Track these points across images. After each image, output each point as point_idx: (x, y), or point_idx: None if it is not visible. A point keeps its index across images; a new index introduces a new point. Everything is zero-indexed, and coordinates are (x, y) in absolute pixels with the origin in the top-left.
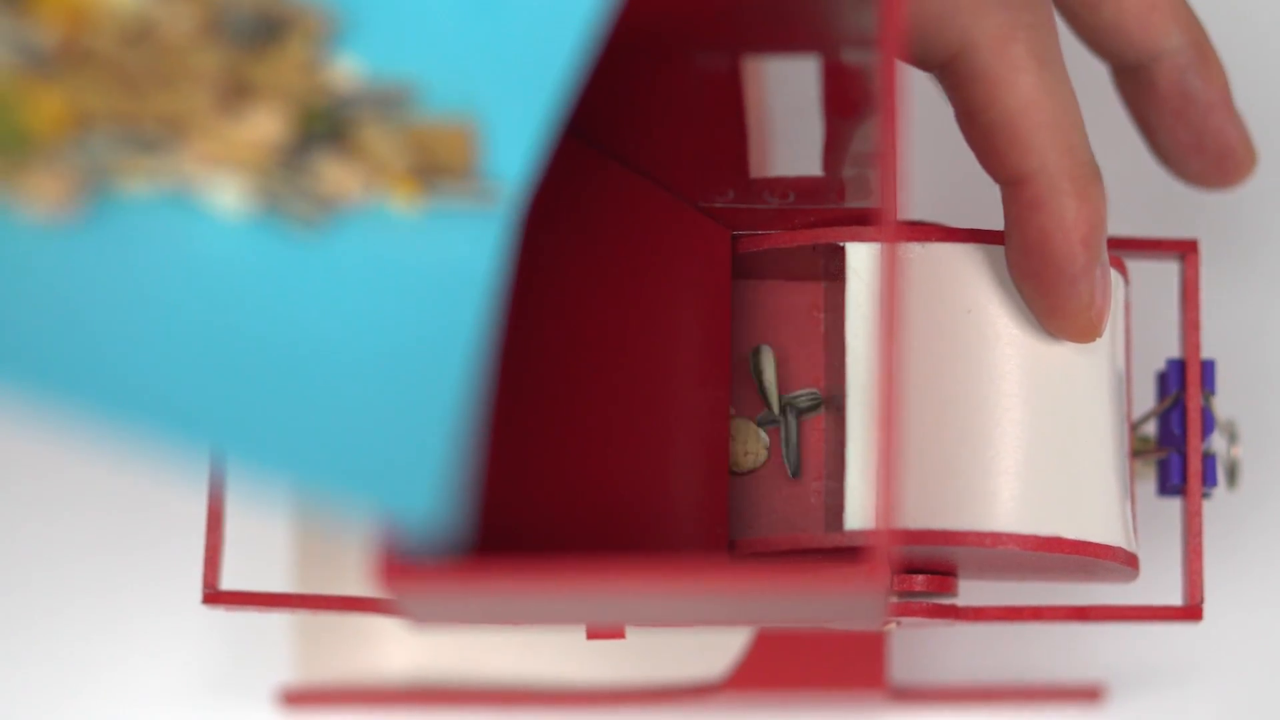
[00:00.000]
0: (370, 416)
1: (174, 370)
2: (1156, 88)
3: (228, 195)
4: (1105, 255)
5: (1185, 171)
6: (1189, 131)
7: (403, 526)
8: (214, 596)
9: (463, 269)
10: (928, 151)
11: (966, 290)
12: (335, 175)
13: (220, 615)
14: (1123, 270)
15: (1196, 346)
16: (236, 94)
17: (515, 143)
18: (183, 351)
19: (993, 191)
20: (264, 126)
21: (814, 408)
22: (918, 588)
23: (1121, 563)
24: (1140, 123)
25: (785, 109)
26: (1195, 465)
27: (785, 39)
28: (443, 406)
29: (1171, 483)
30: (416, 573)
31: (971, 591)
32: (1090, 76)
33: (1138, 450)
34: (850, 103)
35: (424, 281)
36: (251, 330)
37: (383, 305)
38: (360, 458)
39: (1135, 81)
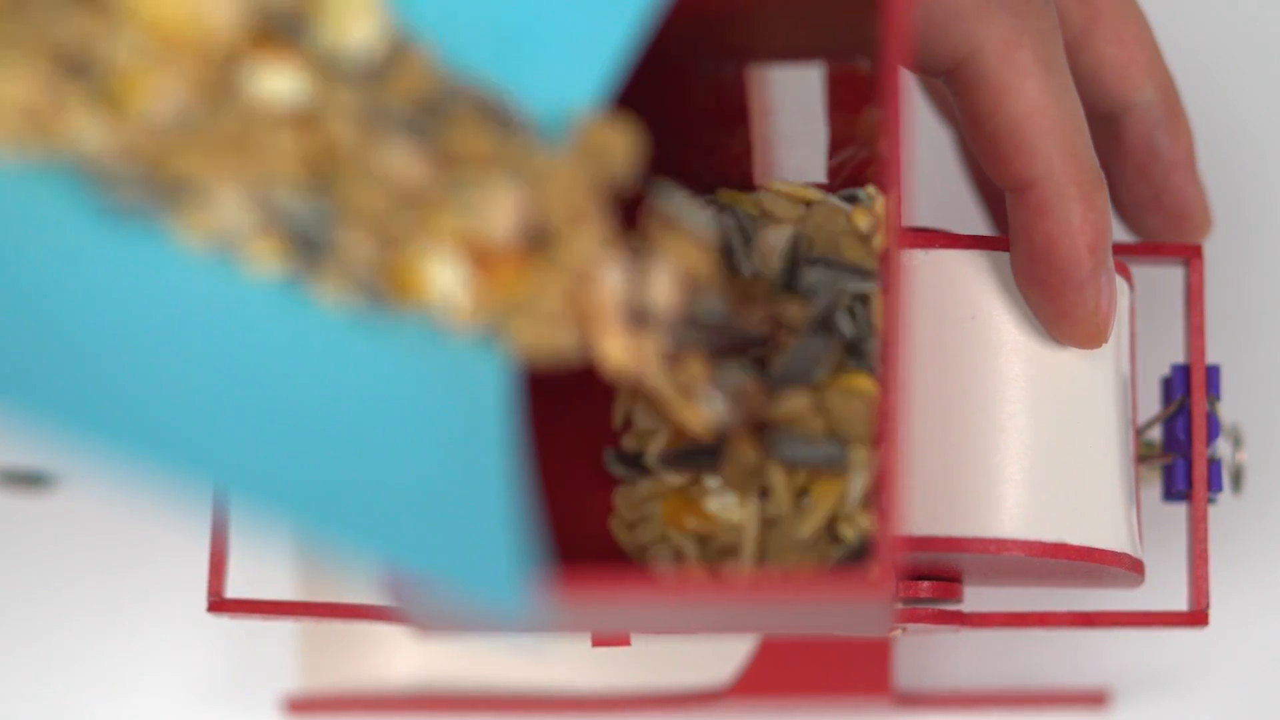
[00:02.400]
0: (431, 487)
1: (232, 433)
2: (1123, 140)
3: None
4: (1110, 261)
5: (1140, 227)
6: (1150, 187)
7: (488, 603)
8: (219, 604)
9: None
10: (932, 157)
11: (971, 296)
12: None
13: (225, 623)
14: (1127, 276)
15: (1201, 351)
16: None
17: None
18: (242, 414)
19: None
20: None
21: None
22: (923, 594)
23: (1127, 568)
24: (1102, 172)
25: (791, 115)
26: (1200, 470)
27: (791, 46)
28: (496, 471)
29: (1177, 488)
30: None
31: (977, 597)
32: None
33: (1143, 456)
34: (855, 109)
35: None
36: (307, 400)
37: (416, 369)
38: (434, 533)
39: (1102, 132)
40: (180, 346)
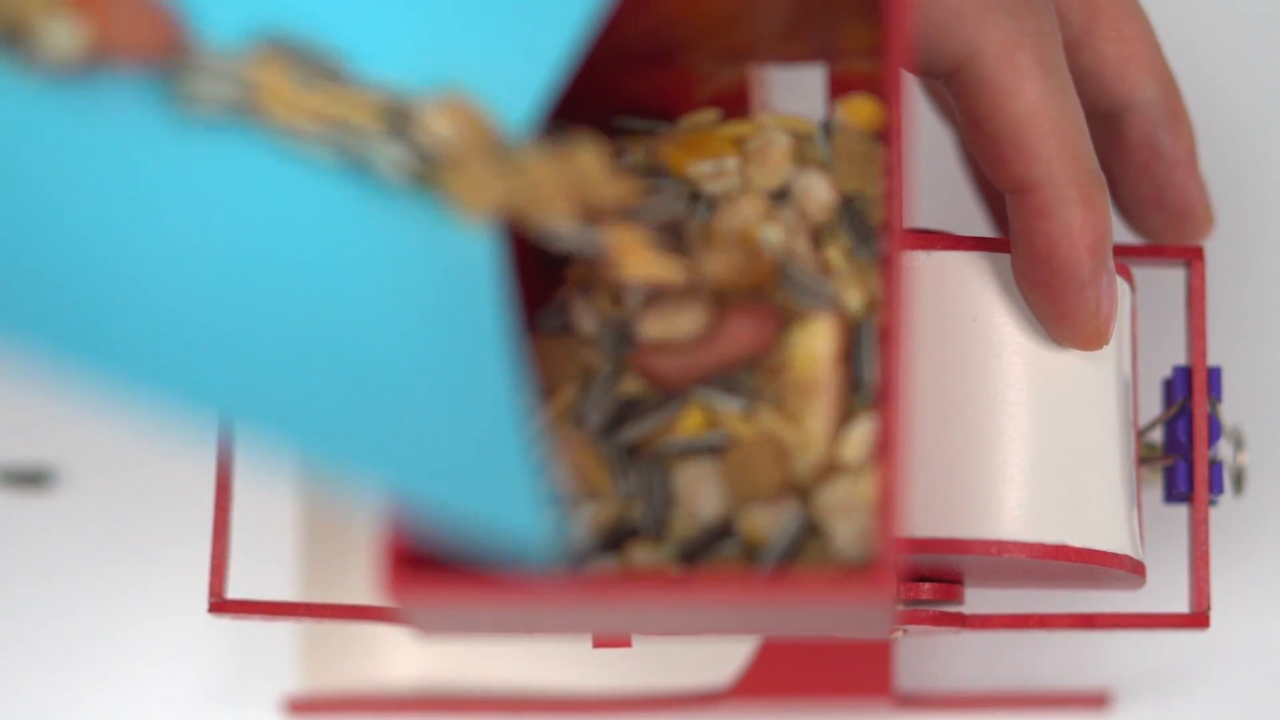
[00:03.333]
0: (449, 422)
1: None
2: (1125, 139)
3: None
4: (1111, 262)
5: (1142, 225)
6: (1152, 185)
7: (510, 539)
8: (220, 605)
9: (468, 257)
10: (932, 157)
11: (972, 298)
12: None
13: (226, 624)
14: (1128, 277)
15: (1202, 353)
16: None
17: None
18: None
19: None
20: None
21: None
22: (924, 595)
23: (1128, 570)
24: (1103, 171)
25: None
26: (1201, 472)
27: (792, 48)
28: (504, 404)
29: (1178, 490)
30: (423, 584)
31: (978, 599)
32: None
33: (1144, 457)
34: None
35: (436, 272)
36: (315, 328)
37: (411, 298)
38: (455, 467)
39: (1104, 130)
40: (176, 258)
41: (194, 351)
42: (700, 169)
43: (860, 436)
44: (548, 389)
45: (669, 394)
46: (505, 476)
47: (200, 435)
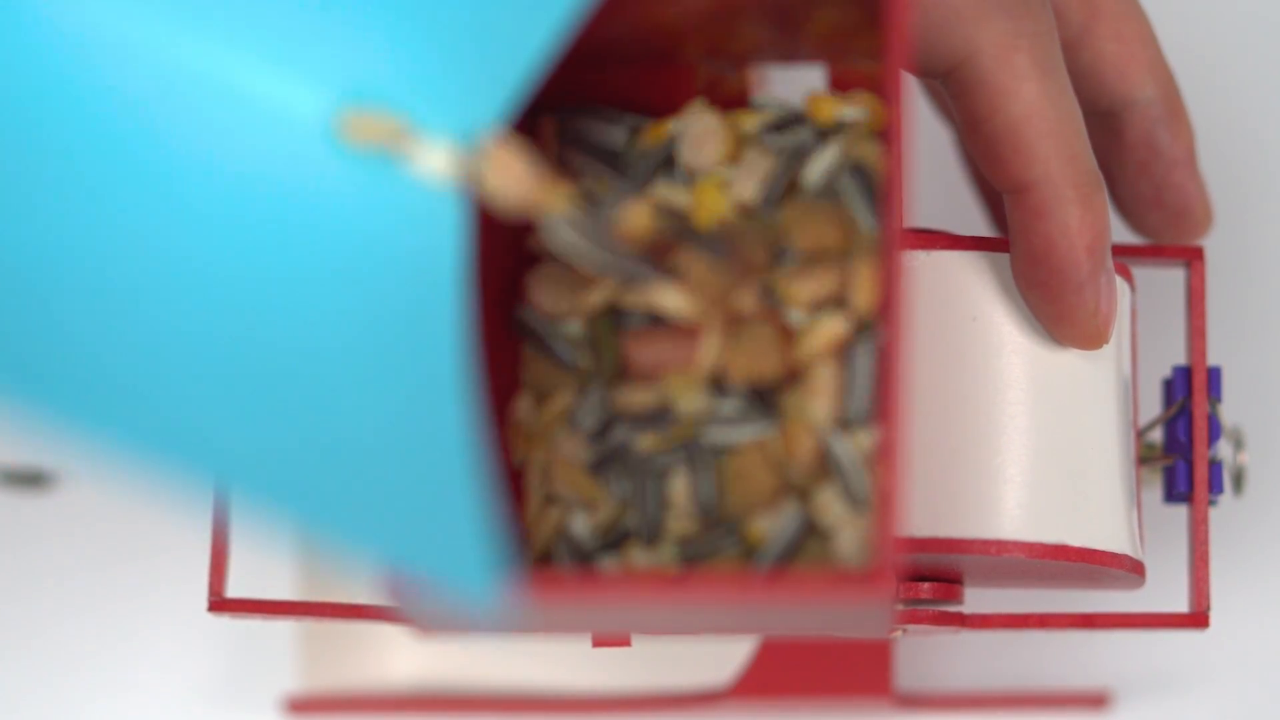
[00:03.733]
0: (396, 472)
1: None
2: (1124, 137)
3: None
4: (1110, 262)
5: (1141, 224)
6: (1150, 185)
7: (459, 590)
8: (219, 604)
9: (429, 268)
10: (933, 159)
11: (971, 298)
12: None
13: (225, 623)
14: (1128, 277)
15: (1202, 353)
16: None
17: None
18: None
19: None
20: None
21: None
22: (924, 595)
23: (1127, 570)
24: (1102, 170)
25: None
26: (1201, 472)
27: (791, 48)
28: (457, 451)
29: (1177, 490)
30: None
31: (977, 599)
32: None
33: (1144, 457)
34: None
35: (396, 303)
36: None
37: (367, 339)
38: (401, 518)
39: (1103, 129)
40: (162, 325)
41: (154, 407)
42: (679, 125)
43: (823, 338)
44: (541, 395)
45: (657, 390)
46: (455, 533)
47: (181, 493)
